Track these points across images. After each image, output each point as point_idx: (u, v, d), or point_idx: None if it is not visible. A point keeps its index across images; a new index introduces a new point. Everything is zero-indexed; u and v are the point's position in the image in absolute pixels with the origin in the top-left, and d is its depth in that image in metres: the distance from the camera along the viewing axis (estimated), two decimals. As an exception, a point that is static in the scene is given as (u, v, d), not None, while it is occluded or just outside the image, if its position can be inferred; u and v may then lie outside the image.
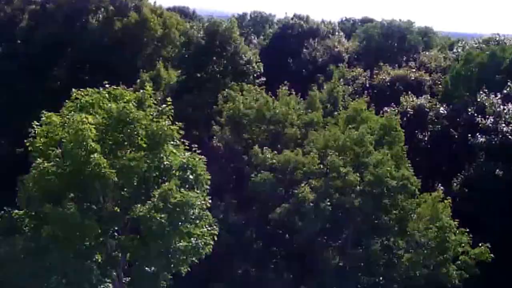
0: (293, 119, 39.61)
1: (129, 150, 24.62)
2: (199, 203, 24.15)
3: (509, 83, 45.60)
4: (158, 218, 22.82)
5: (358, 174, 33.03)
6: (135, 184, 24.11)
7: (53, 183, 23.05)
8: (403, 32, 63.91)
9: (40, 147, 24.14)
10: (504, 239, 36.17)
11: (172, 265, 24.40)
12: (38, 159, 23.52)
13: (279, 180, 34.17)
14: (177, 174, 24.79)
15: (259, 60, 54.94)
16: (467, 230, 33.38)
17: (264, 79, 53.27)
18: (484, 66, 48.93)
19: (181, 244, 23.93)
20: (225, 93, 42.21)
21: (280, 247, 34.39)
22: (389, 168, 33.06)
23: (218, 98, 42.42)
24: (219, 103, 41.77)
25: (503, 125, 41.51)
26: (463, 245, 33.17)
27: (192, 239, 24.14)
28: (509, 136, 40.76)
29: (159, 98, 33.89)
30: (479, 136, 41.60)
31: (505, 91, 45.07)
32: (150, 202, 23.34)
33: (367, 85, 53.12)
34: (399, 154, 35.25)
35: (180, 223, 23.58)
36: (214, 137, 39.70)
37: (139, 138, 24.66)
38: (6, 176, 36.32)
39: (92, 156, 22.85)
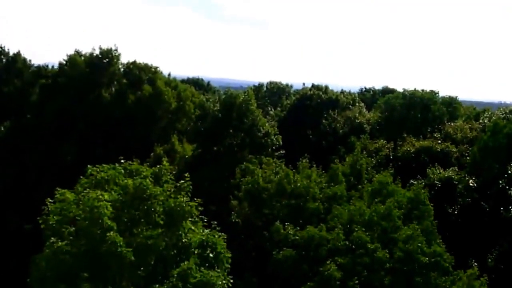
0: (315, 193, 38.16)
1: (145, 228, 23.79)
2: (220, 283, 23.01)
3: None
4: (177, 299, 21.62)
5: (387, 251, 31.37)
6: (152, 263, 23.29)
7: (67, 262, 22.25)
8: (426, 102, 62.92)
9: (54, 224, 23.46)
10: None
11: None
12: (52, 237, 22.91)
13: (302, 257, 32.48)
14: (196, 252, 23.93)
15: (277, 132, 54.17)
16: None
17: (283, 151, 52.28)
18: (512, 137, 47.64)
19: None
20: (243, 166, 41.10)
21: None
22: (420, 244, 31.55)
23: (235, 171, 41.25)
24: (237, 177, 40.56)
25: (536, 197, 39.99)
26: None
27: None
28: (542, 209, 39.17)
29: (174, 172, 32.83)
30: (511, 208, 40.01)
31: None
32: (168, 282, 22.35)
33: (391, 157, 51.76)
34: (429, 229, 33.70)
35: (200, 305, 22.18)
36: (233, 213, 38.24)
37: (156, 215, 24.00)
38: (15, 253, 35.12)
39: (108, 234, 22.14)
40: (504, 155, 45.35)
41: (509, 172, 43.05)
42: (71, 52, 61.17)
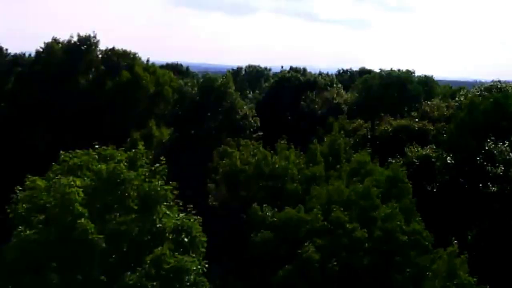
0: (294, 174, 37.88)
1: (119, 214, 23.19)
2: (195, 268, 22.52)
3: (515, 130, 44.32)
4: (150, 286, 21.28)
5: (365, 230, 31.15)
6: (125, 250, 22.61)
7: (35, 251, 21.51)
8: (403, 82, 62.97)
9: (23, 213, 22.79)
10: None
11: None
12: (20, 226, 22.16)
13: (281, 240, 32.11)
14: (170, 237, 23.41)
15: (256, 115, 53.94)
16: (487, 286, 31.31)
17: (261, 133, 52.07)
18: (489, 113, 47.73)
19: (176, 314, 21.97)
20: (221, 149, 40.74)
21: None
22: (399, 223, 31.33)
23: (213, 154, 40.89)
24: (215, 160, 40.19)
25: (515, 173, 40.01)
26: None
27: (188, 308, 22.20)
28: (522, 184, 39.22)
29: (150, 157, 32.42)
30: (490, 185, 40.03)
31: (512, 138, 43.75)
32: (141, 269, 21.77)
33: (369, 137, 51.73)
34: (408, 207, 33.50)
35: (174, 291, 21.76)
36: (210, 196, 37.88)
37: (130, 200, 23.50)
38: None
39: (79, 221, 21.54)
40: (481, 131, 45.37)
41: (486, 148, 43.05)
42: (49, 40, 60.49)
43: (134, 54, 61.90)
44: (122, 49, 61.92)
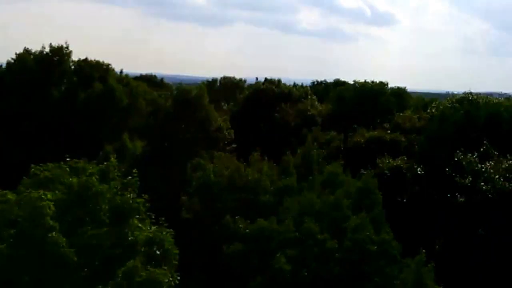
0: (267, 186, 38.27)
1: (90, 227, 23.30)
2: (167, 280, 22.67)
3: (485, 142, 45.11)
4: (121, 299, 21.26)
5: (336, 241, 31.57)
6: (96, 263, 22.75)
7: (6, 267, 21.49)
8: (376, 94, 63.67)
9: None
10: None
11: None
12: None
13: (253, 251, 32.43)
14: (142, 250, 23.58)
15: (230, 127, 54.18)
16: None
17: (235, 145, 52.31)
18: (459, 125, 48.54)
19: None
20: (194, 162, 40.96)
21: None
22: (368, 233, 31.74)
23: (187, 167, 41.11)
24: (188, 172, 40.42)
25: (482, 183, 40.68)
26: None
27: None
28: (489, 195, 39.89)
29: (123, 170, 32.57)
30: (458, 195, 40.69)
31: (481, 150, 44.49)
32: (113, 282, 21.83)
33: (342, 148, 52.24)
34: (378, 218, 33.95)
35: (146, 303, 21.91)
36: (183, 209, 38.05)
37: (102, 213, 23.63)
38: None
39: (50, 234, 21.63)
40: (451, 143, 46.09)
41: (456, 159, 43.74)
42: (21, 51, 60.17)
43: (108, 65, 61.78)
44: (95, 60, 61.78)
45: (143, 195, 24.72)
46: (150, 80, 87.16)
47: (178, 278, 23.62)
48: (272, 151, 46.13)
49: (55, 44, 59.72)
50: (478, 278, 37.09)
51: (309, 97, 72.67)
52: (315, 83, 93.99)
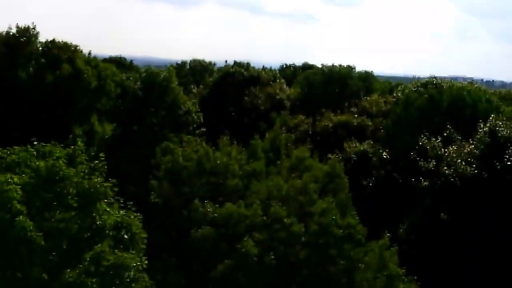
0: (235, 170, 38.48)
1: (58, 211, 23.37)
2: (134, 264, 22.83)
3: (448, 126, 45.88)
4: (89, 283, 21.44)
5: (303, 225, 32.05)
6: (64, 247, 22.81)
7: None
8: (344, 78, 64.31)
9: None
10: (451, 284, 35.68)
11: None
12: None
13: (221, 235, 32.75)
14: (110, 234, 23.63)
15: (199, 110, 54.27)
16: (415, 277, 32.67)
17: (204, 129, 52.46)
18: (423, 109, 49.30)
19: (115, 310, 22.37)
20: (163, 146, 40.98)
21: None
22: (334, 217, 32.26)
23: (156, 151, 41.13)
24: (157, 156, 40.44)
25: (445, 168, 41.44)
26: (412, 293, 32.39)
27: (127, 304, 22.64)
28: (451, 179, 40.64)
29: (93, 153, 32.53)
30: (422, 179, 41.42)
31: (445, 134, 45.26)
32: (81, 266, 21.97)
33: (310, 132, 52.81)
34: (344, 202, 34.55)
35: (114, 287, 22.14)
36: (152, 193, 38.14)
37: (70, 197, 23.59)
38: None
39: (17, 218, 21.61)
40: (415, 127, 46.82)
41: (420, 144, 44.45)
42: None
43: (76, 46, 60.91)
44: (63, 41, 60.95)
45: (110, 179, 24.70)
46: (119, 62, 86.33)
47: (146, 262, 23.80)
48: (241, 135, 46.38)
49: (21, 25, 58.94)
50: (440, 260, 37.97)
51: (278, 80, 73.00)
52: (284, 66, 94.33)
